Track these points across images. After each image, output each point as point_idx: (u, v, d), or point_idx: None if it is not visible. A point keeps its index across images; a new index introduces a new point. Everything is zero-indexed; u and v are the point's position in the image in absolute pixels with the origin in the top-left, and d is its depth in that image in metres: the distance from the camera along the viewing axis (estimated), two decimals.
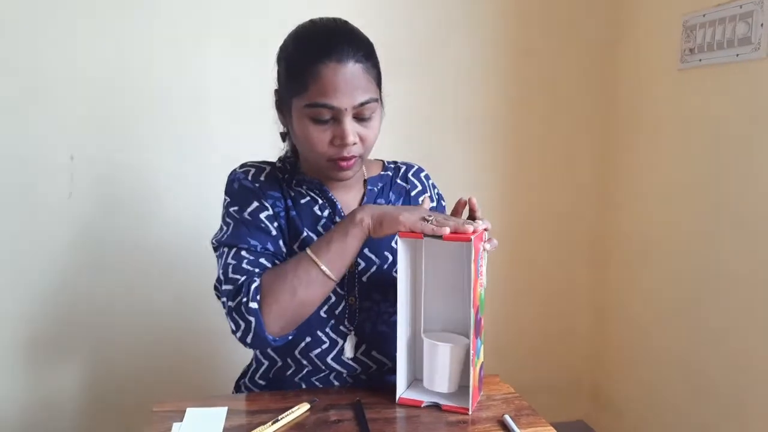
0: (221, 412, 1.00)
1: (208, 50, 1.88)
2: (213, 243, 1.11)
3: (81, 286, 1.88)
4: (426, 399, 1.03)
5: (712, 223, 1.74)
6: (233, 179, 1.13)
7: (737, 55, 1.61)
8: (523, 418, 0.99)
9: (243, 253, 1.05)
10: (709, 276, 1.75)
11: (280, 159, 1.19)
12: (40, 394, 1.89)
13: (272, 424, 0.95)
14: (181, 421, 0.97)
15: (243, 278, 1.02)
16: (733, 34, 1.62)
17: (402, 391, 1.05)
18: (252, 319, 0.98)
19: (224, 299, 1.03)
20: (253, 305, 0.98)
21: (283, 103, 1.09)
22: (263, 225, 1.08)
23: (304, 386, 1.14)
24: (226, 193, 1.13)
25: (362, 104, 1.02)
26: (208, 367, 1.95)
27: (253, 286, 1.00)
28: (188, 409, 1.00)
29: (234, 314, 1.00)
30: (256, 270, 1.03)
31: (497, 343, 2.16)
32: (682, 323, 1.86)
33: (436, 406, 1.02)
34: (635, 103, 2.07)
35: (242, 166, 1.15)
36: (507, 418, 0.98)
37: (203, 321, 1.91)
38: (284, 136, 1.19)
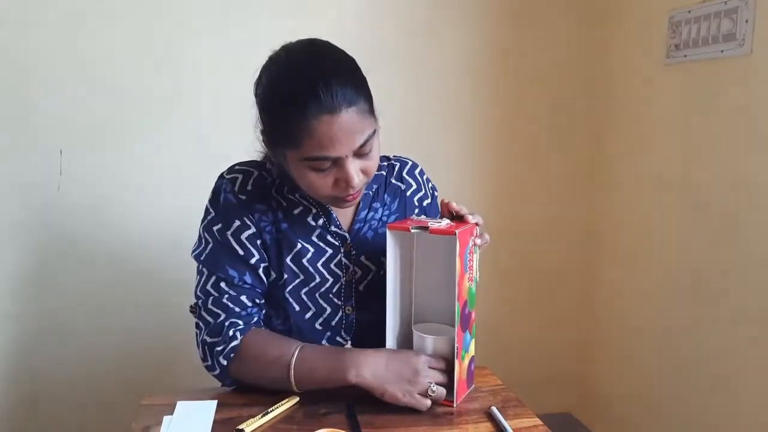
0: (211, 405, 1.01)
1: (200, 45, 1.87)
2: (193, 257, 1.11)
3: (70, 280, 1.87)
4: None
5: (699, 216, 1.75)
6: (219, 190, 1.09)
7: (722, 51, 1.63)
8: (510, 410, 1.00)
9: (222, 285, 1.07)
10: (696, 270, 1.77)
11: (270, 160, 1.12)
12: (30, 390, 1.89)
13: (262, 416, 0.95)
14: (172, 414, 0.97)
15: (223, 317, 1.05)
16: (718, 30, 1.63)
17: None
18: (218, 368, 1.05)
19: (201, 328, 1.07)
20: (224, 362, 1.04)
21: (274, 146, 1.03)
22: (243, 252, 1.07)
23: None
24: (211, 204, 1.10)
25: (362, 146, 0.97)
26: (198, 362, 1.95)
27: (232, 344, 1.04)
28: (178, 403, 1.01)
29: (205, 349, 1.06)
30: (237, 310, 1.06)
31: (485, 335, 2.17)
32: (670, 317, 1.88)
33: None
34: (621, 98, 2.08)
35: (230, 171, 1.11)
36: (494, 409, 0.99)
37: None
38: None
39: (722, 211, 1.67)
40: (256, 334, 1.05)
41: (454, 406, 1.01)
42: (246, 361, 1.03)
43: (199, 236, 1.11)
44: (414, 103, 2.06)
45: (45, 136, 1.80)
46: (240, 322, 1.05)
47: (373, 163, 1.01)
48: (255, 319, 1.08)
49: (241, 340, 1.03)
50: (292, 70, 0.96)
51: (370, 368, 0.96)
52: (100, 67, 1.81)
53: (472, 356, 1.08)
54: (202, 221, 1.11)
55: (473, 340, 1.07)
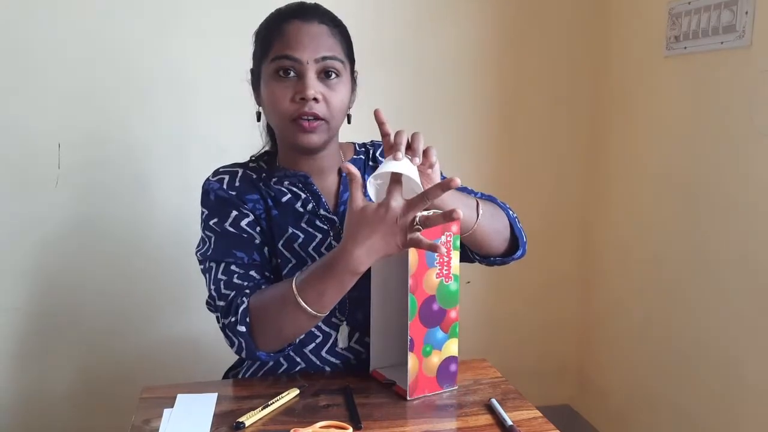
0: (211, 398, 1.01)
1: (196, 39, 1.86)
2: (198, 257, 1.12)
3: (68, 274, 1.87)
4: (388, 376, 1.06)
5: (697, 209, 1.76)
6: (208, 190, 1.12)
7: (722, 42, 1.62)
8: (510, 402, 1.01)
9: (232, 267, 1.07)
10: (694, 263, 1.77)
11: (253, 158, 1.18)
12: (30, 382, 1.89)
13: (262, 409, 0.96)
14: (172, 407, 0.98)
15: (233, 295, 1.04)
16: (717, 21, 1.63)
17: (375, 365, 1.09)
18: (242, 340, 1.01)
19: (218, 315, 1.06)
20: (242, 328, 1.01)
21: (256, 77, 1.11)
22: (246, 234, 1.08)
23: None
24: (203, 204, 1.12)
25: (325, 59, 1.03)
26: (198, 355, 1.96)
27: (241, 308, 1.01)
28: (179, 395, 1.01)
29: (227, 331, 1.03)
30: (246, 283, 1.05)
31: (485, 328, 2.18)
32: (667, 310, 1.88)
33: (392, 384, 1.05)
34: (621, 90, 2.08)
35: (215, 174, 1.14)
36: (494, 401, 1.00)
37: (193, 308, 1.91)
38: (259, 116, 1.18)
39: (721, 203, 1.67)
40: (258, 292, 1.04)
41: (408, 398, 1.00)
42: (260, 316, 1.00)
43: (201, 238, 1.13)
44: (407, 99, 2.05)
45: (43, 130, 1.79)
46: (248, 291, 1.04)
47: (335, 96, 1.05)
48: (262, 287, 1.06)
49: (247, 302, 1.02)
50: (287, 5, 1.10)
51: (364, 252, 0.92)
52: (98, 60, 1.80)
53: (452, 356, 1.04)
54: (201, 223, 1.13)
55: (452, 339, 1.04)
